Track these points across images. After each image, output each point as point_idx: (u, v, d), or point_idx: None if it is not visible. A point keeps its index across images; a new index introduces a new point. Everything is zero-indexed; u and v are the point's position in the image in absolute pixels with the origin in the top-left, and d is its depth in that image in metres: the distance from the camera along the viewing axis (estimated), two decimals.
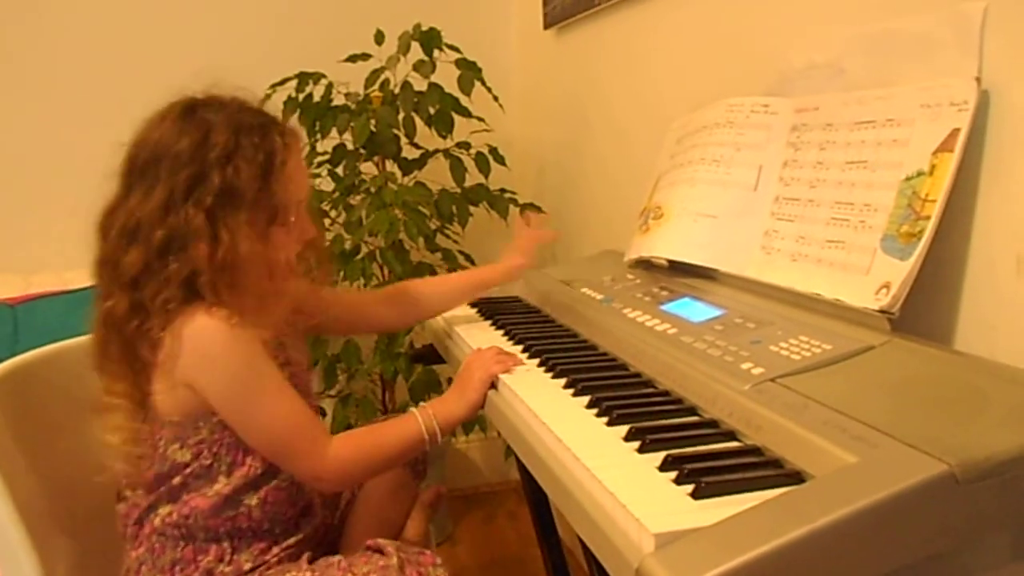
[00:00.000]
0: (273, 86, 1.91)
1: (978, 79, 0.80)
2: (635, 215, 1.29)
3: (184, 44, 2.20)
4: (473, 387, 1.05)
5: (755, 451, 0.73)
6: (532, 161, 2.32)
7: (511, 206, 2.03)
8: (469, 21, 2.28)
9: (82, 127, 1.80)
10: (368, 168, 2.06)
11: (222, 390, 0.98)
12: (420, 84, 1.95)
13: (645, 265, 1.25)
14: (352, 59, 1.99)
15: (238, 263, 0.99)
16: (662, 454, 0.71)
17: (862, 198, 0.90)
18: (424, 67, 1.90)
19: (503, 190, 2.06)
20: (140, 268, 0.97)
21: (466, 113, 2.00)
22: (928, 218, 0.80)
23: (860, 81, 0.97)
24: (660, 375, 0.93)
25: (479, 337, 1.23)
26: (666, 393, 0.90)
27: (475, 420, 2.13)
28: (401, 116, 1.95)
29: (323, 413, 2.04)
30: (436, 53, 1.94)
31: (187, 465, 1.01)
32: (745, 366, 0.82)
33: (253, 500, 1.04)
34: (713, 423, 0.80)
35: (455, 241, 2.09)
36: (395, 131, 1.96)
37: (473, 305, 1.43)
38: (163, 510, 1.02)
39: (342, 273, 1.96)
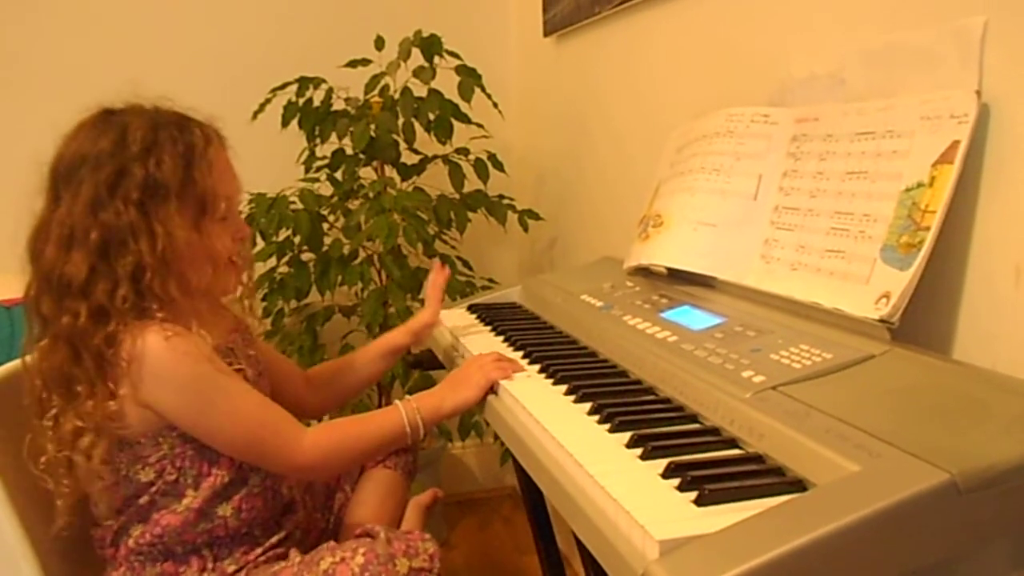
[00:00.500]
0: (274, 90, 1.92)
1: (978, 92, 0.81)
2: (633, 223, 1.29)
3: (186, 48, 2.21)
4: (469, 385, 1.05)
5: (757, 459, 0.73)
6: (531, 168, 2.32)
7: (509, 212, 2.03)
8: (469, 28, 2.29)
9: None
10: (367, 173, 2.07)
11: (180, 404, 0.98)
12: (420, 90, 1.96)
13: (644, 273, 1.26)
14: (352, 64, 2.00)
15: (178, 254, 0.99)
16: (664, 461, 0.72)
17: (862, 208, 0.90)
18: (424, 73, 1.91)
19: (501, 196, 2.07)
20: (86, 272, 0.97)
21: (465, 119, 2.01)
22: (928, 229, 0.81)
23: (861, 92, 0.98)
24: (661, 382, 0.93)
25: (479, 343, 1.23)
26: (667, 400, 0.90)
27: (471, 425, 2.13)
28: (401, 121, 1.95)
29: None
30: (436, 59, 1.94)
31: (152, 484, 1.01)
32: (746, 374, 0.83)
33: (227, 510, 1.04)
34: (715, 431, 0.81)
35: (453, 247, 2.10)
36: (394, 136, 1.96)
37: (472, 311, 1.43)
38: (135, 531, 1.02)
39: (340, 278, 1.96)
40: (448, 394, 1.08)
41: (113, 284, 0.97)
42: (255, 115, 1.89)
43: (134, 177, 0.98)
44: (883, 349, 0.81)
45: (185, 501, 1.01)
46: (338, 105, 2.00)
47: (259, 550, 1.07)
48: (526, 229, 2.07)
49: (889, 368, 0.78)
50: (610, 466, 0.73)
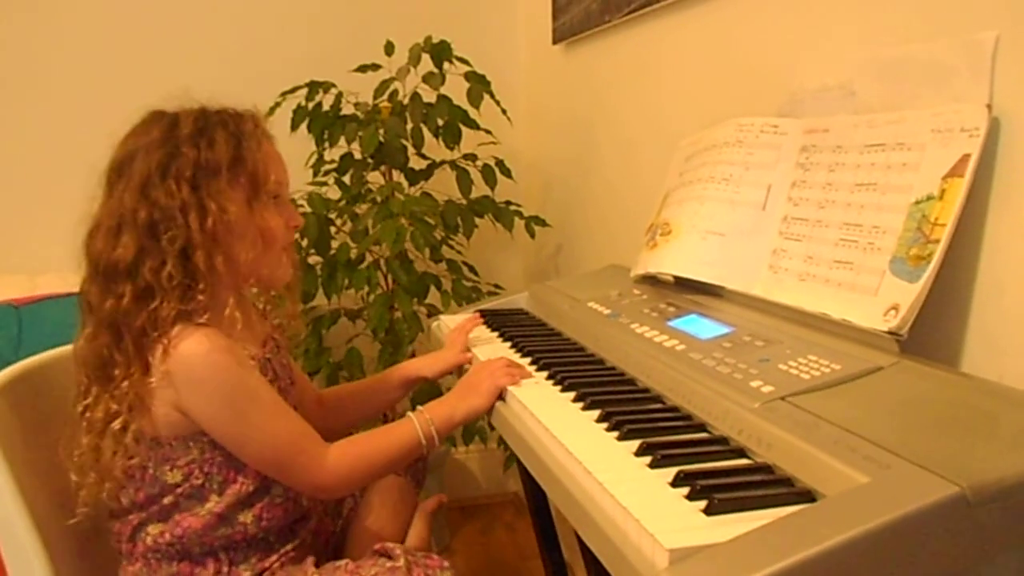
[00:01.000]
0: (284, 94, 1.93)
1: (989, 106, 0.81)
2: (640, 230, 1.30)
3: (195, 51, 2.22)
4: (479, 393, 1.06)
5: (766, 469, 0.73)
6: (538, 174, 2.33)
7: (516, 219, 2.04)
8: (478, 34, 2.30)
9: (89, 128, 1.79)
10: (375, 178, 2.08)
11: (214, 413, 0.99)
12: (429, 96, 1.97)
13: (651, 281, 1.26)
14: (362, 69, 2.01)
15: (229, 229, 1.00)
16: (674, 470, 0.72)
17: (871, 220, 0.91)
18: (434, 79, 1.92)
19: (508, 203, 2.07)
20: (134, 252, 0.98)
21: (474, 125, 2.01)
22: (937, 242, 0.81)
23: (871, 105, 0.98)
24: (669, 391, 0.93)
25: (486, 349, 1.24)
26: (675, 409, 0.90)
27: (475, 431, 2.13)
28: (409, 127, 1.96)
29: None
30: (446, 65, 1.95)
31: (178, 486, 1.01)
32: (755, 384, 0.83)
33: (248, 517, 1.04)
34: (723, 440, 0.81)
35: (459, 252, 2.10)
36: (403, 141, 1.97)
37: (479, 316, 1.43)
38: (153, 529, 1.02)
39: (346, 281, 1.97)
40: (459, 403, 1.08)
41: (160, 262, 0.98)
42: (266, 118, 1.89)
43: (186, 157, 1.00)
44: (892, 361, 0.81)
45: (208, 505, 1.02)
46: (347, 110, 2.01)
47: (274, 556, 1.07)
48: (533, 236, 2.07)
49: (898, 380, 0.79)
50: (619, 474, 0.74)
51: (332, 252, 1.99)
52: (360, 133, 1.93)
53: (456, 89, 1.97)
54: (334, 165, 2.05)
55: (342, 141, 1.99)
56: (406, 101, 1.98)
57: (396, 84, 1.99)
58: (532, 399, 0.97)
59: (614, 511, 0.68)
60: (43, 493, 1.04)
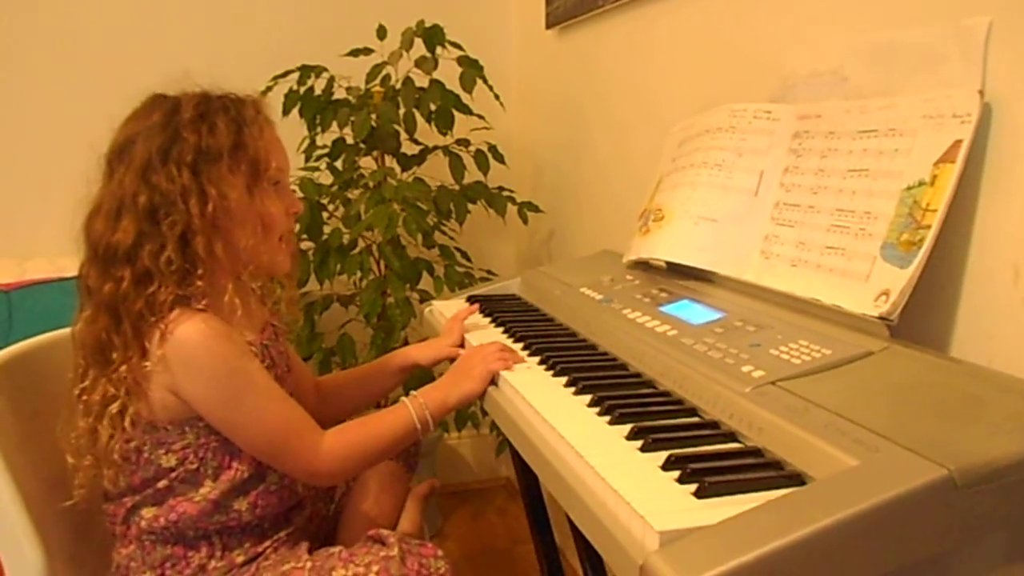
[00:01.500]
0: (275, 78, 1.92)
1: (981, 92, 0.81)
2: (632, 216, 1.30)
3: (186, 34, 2.20)
4: (472, 377, 1.06)
5: (756, 452, 0.74)
6: (530, 160, 2.33)
7: (508, 204, 2.04)
8: (470, 19, 2.29)
9: (79, 113, 1.79)
10: (367, 163, 2.07)
11: (209, 398, 0.99)
12: (421, 80, 1.96)
13: (643, 266, 1.26)
14: (354, 53, 1.99)
15: (229, 215, 1.00)
16: (664, 454, 0.73)
17: (863, 206, 0.91)
18: (426, 63, 1.91)
19: (501, 188, 2.07)
20: (133, 237, 0.98)
21: (467, 110, 2.01)
22: (928, 227, 0.82)
23: (863, 90, 0.98)
24: (661, 376, 0.94)
25: (479, 334, 1.24)
26: (667, 394, 0.91)
27: (467, 416, 2.14)
28: (402, 112, 1.95)
29: None
30: (438, 50, 1.94)
31: (173, 470, 1.01)
32: (746, 369, 0.83)
33: (243, 504, 1.04)
34: (714, 424, 0.81)
35: (452, 238, 2.10)
36: (395, 126, 1.96)
37: (472, 302, 1.43)
38: (147, 513, 1.03)
39: (339, 267, 1.97)
40: (452, 387, 1.08)
41: (160, 246, 0.97)
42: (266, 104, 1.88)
43: (187, 142, 0.99)
44: (882, 346, 0.81)
45: (203, 491, 1.02)
46: (339, 94, 2.00)
47: (267, 542, 1.07)
48: (526, 221, 2.07)
49: (887, 365, 0.79)
50: (610, 458, 0.74)
51: (324, 237, 1.98)
52: (352, 118, 1.92)
53: (449, 74, 1.96)
54: (326, 150, 2.04)
55: (334, 126, 1.98)
56: (398, 86, 1.97)
57: (388, 68, 1.98)
58: (525, 384, 0.98)
59: (605, 494, 0.68)
60: (35, 476, 1.04)
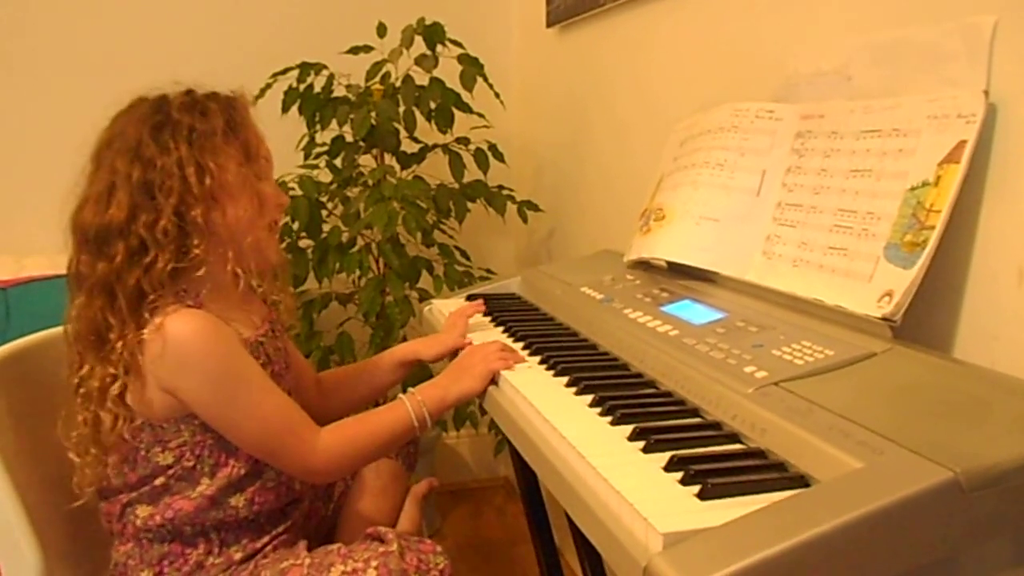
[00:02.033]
0: (275, 75, 1.91)
1: (986, 92, 0.81)
2: (632, 215, 1.29)
3: (186, 32, 2.20)
4: (472, 376, 1.06)
5: (759, 454, 0.73)
6: (530, 159, 2.32)
7: (508, 203, 2.03)
8: (472, 17, 2.28)
9: (77, 110, 1.78)
10: (367, 161, 2.06)
11: (204, 395, 0.98)
12: (421, 78, 1.95)
13: (644, 266, 1.26)
14: (354, 51, 1.99)
15: (226, 188, 1.00)
16: (667, 454, 0.72)
17: (866, 206, 0.91)
18: (426, 61, 1.90)
19: (501, 187, 2.07)
20: (127, 211, 0.96)
21: (467, 109, 2.00)
22: (932, 228, 0.81)
23: (867, 90, 0.98)
24: (662, 376, 0.93)
25: (479, 333, 1.23)
26: (669, 394, 0.90)
27: (466, 416, 2.13)
28: (402, 110, 1.95)
29: None
30: (439, 48, 1.94)
31: (169, 467, 1.01)
32: (748, 369, 0.83)
33: (240, 501, 1.04)
34: (717, 425, 0.81)
35: (451, 236, 2.09)
36: (395, 124, 1.96)
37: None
38: (142, 511, 1.02)
39: (338, 265, 1.96)
40: (451, 385, 1.08)
41: (155, 217, 0.96)
42: (255, 100, 1.85)
43: (180, 122, 0.99)
44: (885, 347, 0.81)
45: (199, 488, 1.01)
46: (339, 92, 1.99)
47: (265, 539, 1.07)
48: (526, 220, 2.07)
49: (891, 366, 0.79)
50: (613, 459, 0.74)
51: (323, 235, 1.97)
52: (352, 116, 1.92)
53: (449, 72, 1.95)
54: (325, 148, 2.03)
55: (333, 124, 1.97)
56: (398, 83, 1.96)
57: (388, 66, 1.97)
58: (525, 383, 0.97)
59: (608, 495, 0.68)
60: (33, 476, 1.04)
